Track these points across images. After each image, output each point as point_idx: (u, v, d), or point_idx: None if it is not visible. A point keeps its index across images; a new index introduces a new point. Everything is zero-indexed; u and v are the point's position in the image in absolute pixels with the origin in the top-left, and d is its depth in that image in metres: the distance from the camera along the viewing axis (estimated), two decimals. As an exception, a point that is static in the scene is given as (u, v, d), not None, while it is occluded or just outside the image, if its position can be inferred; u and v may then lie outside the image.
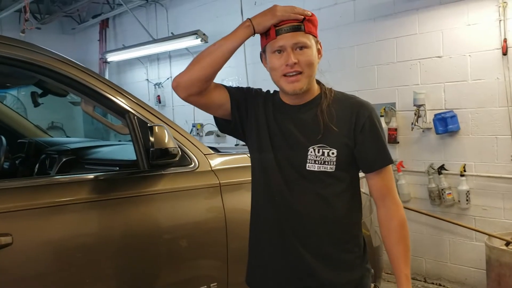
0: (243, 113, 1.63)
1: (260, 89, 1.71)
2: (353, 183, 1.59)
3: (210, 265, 2.17)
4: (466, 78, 3.82)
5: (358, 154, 1.53)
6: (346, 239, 1.57)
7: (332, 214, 1.54)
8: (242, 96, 1.65)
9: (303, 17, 1.49)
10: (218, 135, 5.94)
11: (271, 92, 1.69)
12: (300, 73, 1.48)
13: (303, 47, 1.48)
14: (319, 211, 1.53)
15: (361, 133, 1.51)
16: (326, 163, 1.50)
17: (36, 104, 3.10)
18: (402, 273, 1.54)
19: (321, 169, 1.50)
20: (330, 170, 1.50)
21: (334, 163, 1.50)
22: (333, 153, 1.50)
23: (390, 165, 1.58)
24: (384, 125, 4.22)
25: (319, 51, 1.56)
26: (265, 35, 1.53)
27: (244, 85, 5.70)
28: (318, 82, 1.61)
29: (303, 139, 1.52)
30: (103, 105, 2.04)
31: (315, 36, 1.53)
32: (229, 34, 1.56)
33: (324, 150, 1.50)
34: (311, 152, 1.50)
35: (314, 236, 1.54)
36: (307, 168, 1.51)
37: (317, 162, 1.50)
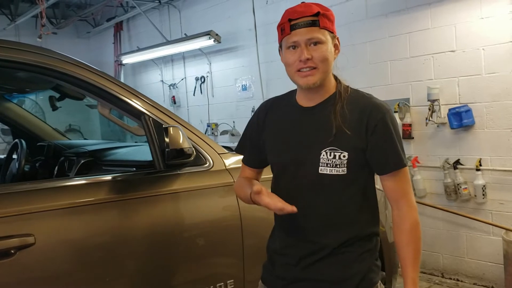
0: (261, 149, 1.69)
1: (258, 110, 1.74)
2: (366, 184, 1.58)
3: (226, 262, 2.20)
4: (480, 72, 3.80)
5: (370, 156, 1.51)
6: (358, 238, 1.57)
7: (345, 216, 1.55)
8: (252, 151, 1.74)
9: (317, 11, 1.48)
10: (232, 134, 5.98)
11: (282, 94, 1.70)
12: (314, 68, 1.48)
13: (317, 42, 1.47)
14: (332, 212, 1.54)
15: (372, 136, 1.49)
16: (338, 166, 1.49)
17: (54, 108, 3.16)
18: (409, 276, 1.52)
19: (333, 172, 1.49)
20: (342, 173, 1.50)
21: (345, 165, 1.49)
22: (344, 156, 1.48)
23: (406, 168, 1.54)
24: (398, 121, 4.21)
25: (336, 47, 1.54)
26: (281, 30, 1.53)
27: (258, 84, 5.66)
28: (336, 78, 1.60)
29: (315, 142, 1.52)
30: (119, 108, 2.08)
31: (331, 32, 1.51)
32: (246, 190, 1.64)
33: (335, 153, 1.49)
34: (323, 155, 1.50)
35: (326, 236, 1.55)
36: (320, 172, 1.50)
37: (329, 165, 1.49)
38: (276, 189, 1.66)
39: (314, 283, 1.57)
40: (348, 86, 1.59)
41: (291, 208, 1.45)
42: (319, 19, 1.48)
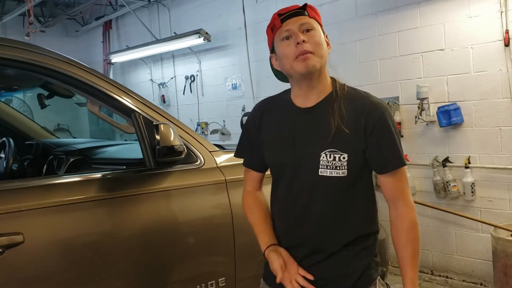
0: (260, 151, 1.67)
1: (253, 110, 1.72)
2: (366, 184, 1.57)
3: (217, 260, 2.19)
4: (468, 70, 3.83)
5: (369, 156, 1.50)
6: (357, 237, 1.56)
7: (345, 218, 1.54)
8: (253, 153, 1.71)
9: (305, 3, 1.52)
10: (222, 133, 5.97)
11: (277, 94, 1.68)
12: (311, 52, 1.46)
13: (309, 29, 1.48)
14: (334, 213, 1.53)
15: (371, 136, 1.47)
16: (338, 168, 1.47)
17: (42, 106, 3.12)
18: (407, 276, 1.51)
19: (333, 174, 1.48)
20: (343, 175, 1.48)
21: (346, 167, 1.47)
22: (344, 158, 1.47)
23: (404, 167, 1.53)
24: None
25: (327, 43, 1.54)
26: (271, 29, 1.53)
27: (248, 83, 5.66)
28: (331, 78, 1.58)
29: (314, 143, 1.51)
30: (109, 105, 2.06)
31: (319, 24, 1.53)
32: (257, 233, 1.69)
33: (335, 155, 1.47)
34: (323, 157, 1.48)
35: (325, 239, 1.54)
36: (320, 174, 1.49)
37: (329, 167, 1.48)
38: (275, 192, 1.65)
39: (311, 283, 1.55)
40: (344, 84, 1.57)
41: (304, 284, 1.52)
42: (307, 10, 1.52)
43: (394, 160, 1.51)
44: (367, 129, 1.48)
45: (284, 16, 1.50)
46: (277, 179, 1.64)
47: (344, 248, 1.54)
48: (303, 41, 1.46)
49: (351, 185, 1.51)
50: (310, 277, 1.53)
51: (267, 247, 1.61)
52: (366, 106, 1.50)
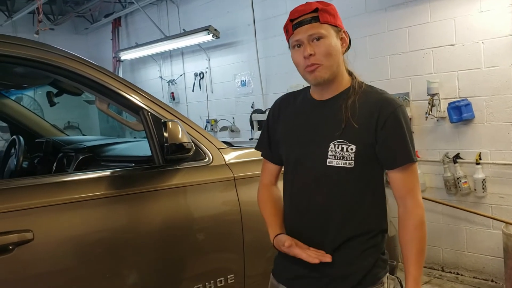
0: (278, 144, 1.70)
1: (273, 105, 1.77)
2: (374, 180, 1.57)
3: (226, 257, 2.20)
4: (479, 65, 3.79)
5: (379, 151, 1.51)
6: (363, 234, 1.55)
7: (351, 211, 1.54)
8: (271, 146, 1.74)
9: (316, 7, 1.50)
10: (232, 130, 5.97)
11: (299, 89, 1.73)
12: (319, 64, 1.50)
13: (319, 37, 1.49)
14: (339, 206, 1.53)
15: (382, 130, 1.49)
16: (345, 158, 1.49)
17: (52, 104, 3.14)
18: (410, 274, 1.50)
19: (340, 165, 1.50)
20: (349, 166, 1.49)
21: (353, 159, 1.49)
22: (351, 149, 1.49)
23: (414, 164, 1.53)
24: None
25: (343, 40, 1.56)
26: (286, 31, 1.57)
27: (257, 80, 5.62)
28: (351, 74, 1.62)
29: (325, 134, 1.53)
30: (117, 103, 2.07)
31: (335, 26, 1.53)
32: (268, 225, 1.68)
33: (343, 146, 1.49)
34: (331, 147, 1.51)
35: (332, 229, 1.54)
36: (328, 164, 1.51)
37: (336, 158, 1.50)
38: (286, 183, 1.67)
39: (316, 280, 1.56)
40: (363, 82, 1.60)
41: (328, 259, 1.48)
42: (319, 14, 1.50)
43: (403, 156, 1.51)
44: (379, 124, 1.49)
45: (295, 22, 1.52)
46: (288, 171, 1.66)
47: (349, 244, 1.54)
48: (310, 54, 1.49)
49: (358, 178, 1.52)
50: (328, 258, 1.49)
51: (276, 235, 1.61)
52: (379, 102, 1.53)
